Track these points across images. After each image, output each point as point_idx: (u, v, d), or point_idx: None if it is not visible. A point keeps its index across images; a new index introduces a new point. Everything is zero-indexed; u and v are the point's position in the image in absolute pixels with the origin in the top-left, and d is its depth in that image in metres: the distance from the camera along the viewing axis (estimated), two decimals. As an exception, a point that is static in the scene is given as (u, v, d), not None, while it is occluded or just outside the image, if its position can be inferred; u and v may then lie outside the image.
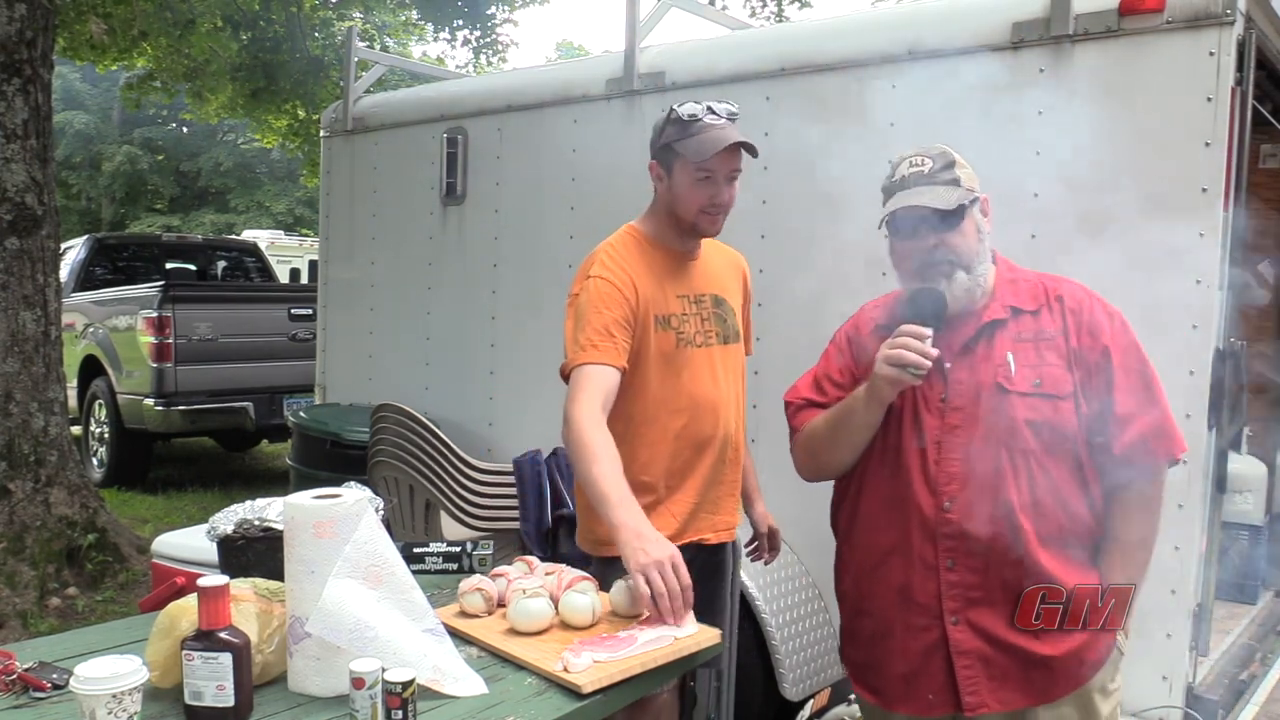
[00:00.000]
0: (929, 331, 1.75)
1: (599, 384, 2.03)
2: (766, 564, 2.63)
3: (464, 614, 1.87)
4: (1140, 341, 1.82)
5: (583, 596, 1.82)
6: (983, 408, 1.78)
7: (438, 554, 2.18)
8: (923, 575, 1.81)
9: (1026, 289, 1.87)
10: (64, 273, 7.48)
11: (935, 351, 1.75)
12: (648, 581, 1.72)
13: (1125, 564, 1.79)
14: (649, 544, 1.76)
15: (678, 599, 1.72)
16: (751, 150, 2.16)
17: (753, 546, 2.52)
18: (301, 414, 4.62)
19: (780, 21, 10.35)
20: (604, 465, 1.92)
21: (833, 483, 2.03)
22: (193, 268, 9.30)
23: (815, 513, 2.11)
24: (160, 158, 25.93)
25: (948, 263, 1.80)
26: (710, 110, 2.16)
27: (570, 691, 1.57)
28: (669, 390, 2.20)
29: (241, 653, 1.44)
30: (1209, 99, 2.46)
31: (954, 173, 1.83)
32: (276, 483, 7.26)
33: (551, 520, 3.19)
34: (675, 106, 2.20)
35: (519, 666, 1.67)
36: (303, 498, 1.62)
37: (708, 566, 2.26)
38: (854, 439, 1.90)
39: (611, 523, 1.84)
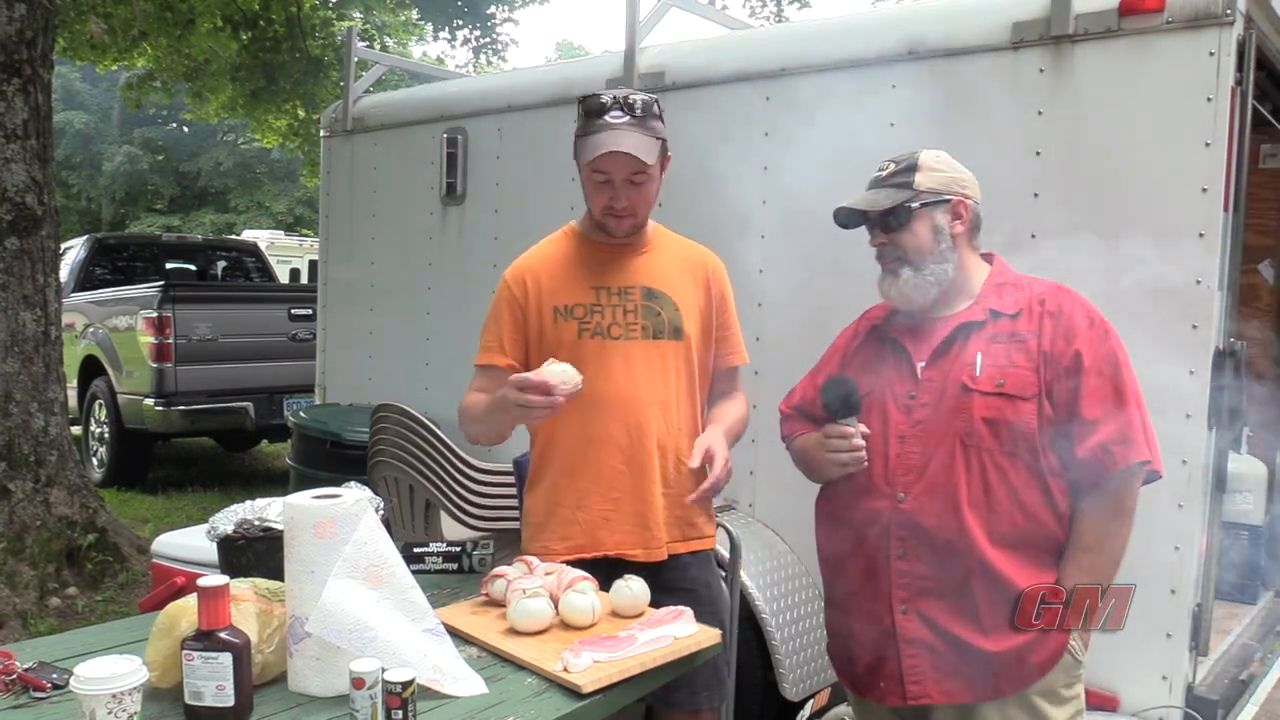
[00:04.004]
0: (851, 429, 1.85)
1: (480, 382, 2.19)
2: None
3: (490, 602, 1.91)
4: (1123, 351, 1.80)
5: (583, 596, 1.82)
6: (945, 405, 1.82)
7: (438, 554, 2.18)
8: (880, 565, 1.86)
9: (1011, 293, 1.88)
10: (64, 273, 7.47)
11: (863, 442, 1.85)
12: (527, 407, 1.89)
13: (1081, 569, 1.77)
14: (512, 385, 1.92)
15: (539, 387, 1.86)
16: (639, 159, 1.99)
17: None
18: (301, 414, 4.62)
19: (780, 21, 10.36)
20: (479, 401, 2.12)
21: None
22: (193, 268, 9.28)
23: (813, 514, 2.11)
24: (160, 158, 25.93)
25: (894, 259, 1.89)
26: (615, 104, 2.01)
27: (570, 691, 1.58)
28: None
29: (241, 653, 1.45)
30: (1209, 99, 2.46)
31: (909, 176, 1.87)
32: (276, 483, 7.25)
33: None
34: (583, 96, 2.05)
35: (519, 666, 1.67)
36: (303, 498, 1.62)
37: (655, 586, 1.96)
38: (819, 478, 2.01)
39: (501, 405, 1.97)
